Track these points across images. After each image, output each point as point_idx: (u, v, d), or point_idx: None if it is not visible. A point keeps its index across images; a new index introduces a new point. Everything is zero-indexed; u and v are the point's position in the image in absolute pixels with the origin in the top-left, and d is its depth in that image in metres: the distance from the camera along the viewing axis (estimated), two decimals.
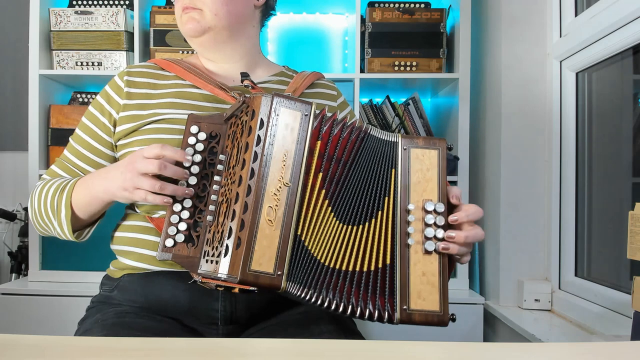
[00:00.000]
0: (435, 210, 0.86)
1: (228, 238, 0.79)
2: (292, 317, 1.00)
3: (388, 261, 0.85)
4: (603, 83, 1.60)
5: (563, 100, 1.68)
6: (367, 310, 0.83)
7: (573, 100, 1.66)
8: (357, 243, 0.85)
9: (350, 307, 0.82)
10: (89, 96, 2.02)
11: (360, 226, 0.86)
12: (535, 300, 1.67)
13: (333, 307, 0.81)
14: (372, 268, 0.85)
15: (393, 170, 0.88)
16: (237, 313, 0.96)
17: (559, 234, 1.68)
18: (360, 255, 0.85)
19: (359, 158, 0.88)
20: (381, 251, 0.85)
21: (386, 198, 0.87)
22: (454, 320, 0.85)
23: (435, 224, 0.86)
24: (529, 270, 1.72)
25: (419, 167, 0.88)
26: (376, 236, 0.86)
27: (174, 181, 0.87)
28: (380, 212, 0.87)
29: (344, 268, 0.84)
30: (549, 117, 1.70)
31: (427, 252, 0.85)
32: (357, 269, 0.84)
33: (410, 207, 0.87)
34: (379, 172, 0.88)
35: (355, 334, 0.99)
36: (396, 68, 1.90)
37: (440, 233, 0.86)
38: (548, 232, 1.71)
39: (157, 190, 0.85)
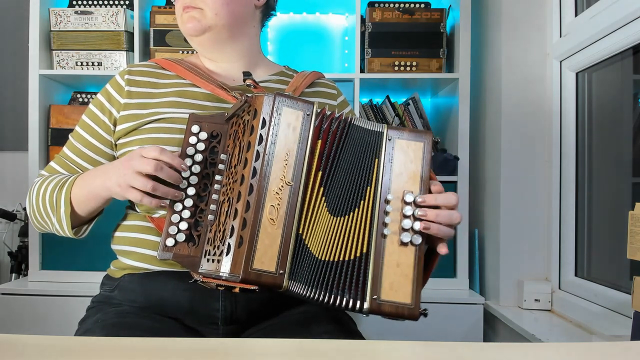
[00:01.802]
0: (414, 202, 0.86)
1: (230, 237, 0.79)
2: (292, 317, 1.00)
3: (364, 250, 0.84)
4: (603, 83, 1.60)
5: (563, 100, 1.68)
6: (343, 299, 0.82)
7: (573, 100, 1.66)
8: (341, 233, 0.85)
9: (326, 295, 0.82)
10: (89, 96, 2.02)
11: (346, 216, 0.86)
12: (535, 300, 1.67)
13: (315, 296, 0.81)
14: (352, 257, 0.84)
15: (376, 160, 0.88)
16: (238, 313, 0.96)
17: (559, 234, 1.68)
18: (343, 245, 0.85)
19: (343, 149, 0.88)
20: (360, 240, 0.85)
21: (368, 187, 0.87)
22: (425, 315, 0.83)
23: (413, 215, 0.85)
24: (529, 270, 1.72)
25: (403, 158, 0.88)
26: (357, 226, 0.85)
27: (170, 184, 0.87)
28: (362, 202, 0.86)
29: (331, 259, 0.84)
30: (549, 117, 1.70)
31: (403, 244, 0.84)
32: (341, 258, 0.84)
33: (390, 197, 0.86)
34: (363, 162, 0.88)
35: (355, 334, 0.99)
36: (396, 68, 1.90)
37: (417, 225, 0.84)
38: (548, 232, 1.70)
39: (149, 190, 0.85)
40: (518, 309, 1.68)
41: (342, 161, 0.87)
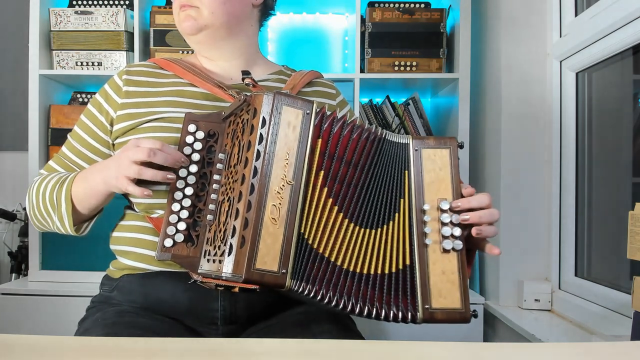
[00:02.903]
0: (450, 209, 0.87)
1: (232, 237, 0.79)
2: (292, 317, 0.99)
3: (408, 262, 0.86)
4: (603, 83, 1.60)
5: (563, 100, 1.67)
6: (391, 312, 0.84)
7: (573, 100, 1.65)
8: (376, 246, 0.86)
9: (374, 309, 0.83)
10: (89, 96, 2.02)
11: (379, 229, 0.87)
12: (535, 300, 1.67)
13: (357, 310, 0.82)
14: (394, 270, 0.86)
15: (406, 171, 0.90)
16: (237, 313, 0.96)
17: (559, 234, 1.68)
18: (380, 258, 0.86)
19: (376, 162, 0.89)
20: (400, 253, 0.87)
21: (401, 200, 0.88)
22: (475, 316, 0.86)
23: (451, 222, 0.87)
24: (529, 270, 1.72)
25: (432, 167, 0.89)
26: (395, 238, 0.87)
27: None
28: (397, 214, 0.88)
29: (365, 271, 0.85)
30: (549, 117, 1.70)
31: (445, 251, 0.86)
32: (379, 272, 0.85)
33: (426, 207, 0.88)
34: (393, 175, 0.89)
35: (355, 334, 1.00)
36: (396, 68, 1.90)
37: (457, 231, 0.86)
38: (548, 232, 1.70)
39: (136, 175, 0.85)
40: (518, 309, 1.68)
41: (373, 174, 0.88)
